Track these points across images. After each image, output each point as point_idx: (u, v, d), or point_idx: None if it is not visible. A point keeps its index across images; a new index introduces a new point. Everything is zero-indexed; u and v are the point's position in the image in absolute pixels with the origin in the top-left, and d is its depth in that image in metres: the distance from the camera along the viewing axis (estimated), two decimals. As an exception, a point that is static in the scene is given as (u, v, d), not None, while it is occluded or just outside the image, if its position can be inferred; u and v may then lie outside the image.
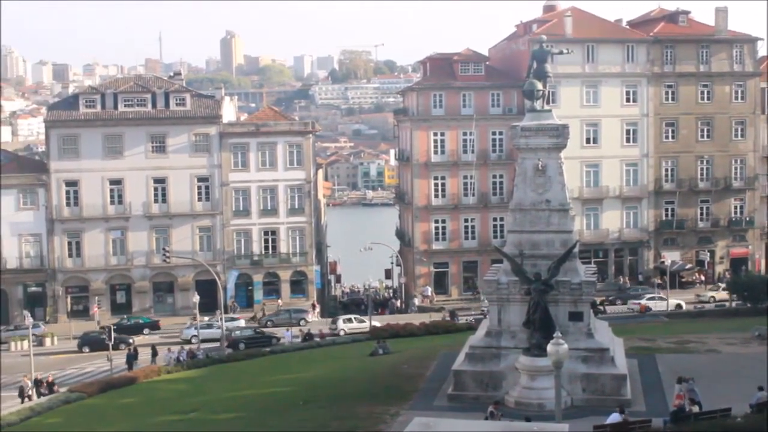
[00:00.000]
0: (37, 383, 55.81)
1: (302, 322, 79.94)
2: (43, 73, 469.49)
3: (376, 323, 75.25)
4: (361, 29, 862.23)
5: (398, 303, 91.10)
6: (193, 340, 71.70)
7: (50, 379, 56.53)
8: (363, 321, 76.88)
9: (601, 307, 75.22)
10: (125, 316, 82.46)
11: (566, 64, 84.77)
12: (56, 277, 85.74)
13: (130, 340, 72.57)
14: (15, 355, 71.98)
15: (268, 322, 79.63)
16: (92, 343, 71.69)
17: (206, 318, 77.94)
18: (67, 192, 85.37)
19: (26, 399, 53.53)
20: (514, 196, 40.71)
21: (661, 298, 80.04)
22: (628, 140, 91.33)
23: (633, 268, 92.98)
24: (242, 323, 77.91)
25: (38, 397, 54.02)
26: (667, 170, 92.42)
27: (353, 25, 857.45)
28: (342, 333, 73.65)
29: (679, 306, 79.38)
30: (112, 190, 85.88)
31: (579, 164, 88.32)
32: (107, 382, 55.17)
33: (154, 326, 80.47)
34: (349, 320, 77.53)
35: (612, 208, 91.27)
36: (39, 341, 74.54)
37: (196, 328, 73.13)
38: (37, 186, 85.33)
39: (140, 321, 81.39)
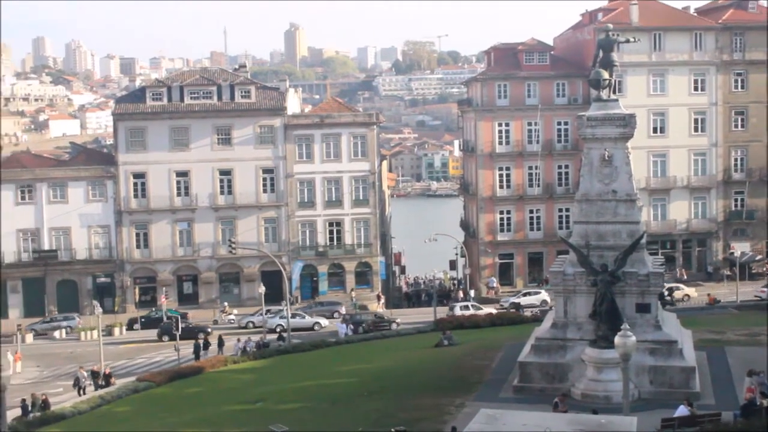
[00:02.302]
0: (94, 375, 56.50)
1: (336, 315, 79.89)
2: (111, 67, 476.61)
3: (492, 310, 75.41)
4: (424, 20, 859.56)
5: (461, 294, 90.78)
6: (278, 329, 72.38)
7: (107, 371, 57.18)
8: (480, 308, 76.68)
9: (669, 298, 74.19)
10: (153, 309, 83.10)
11: (633, 52, 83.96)
12: (124, 267, 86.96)
13: (208, 330, 73.51)
14: (85, 345, 73.23)
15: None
16: (171, 332, 72.51)
17: (236, 311, 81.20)
18: (135, 184, 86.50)
19: (82, 391, 54.12)
20: (580, 186, 40.31)
21: None
22: (696, 129, 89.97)
23: (701, 260, 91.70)
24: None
25: (96, 389, 54.62)
26: (736, 159, 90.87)
27: (417, 16, 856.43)
28: None
29: None
30: (178, 182, 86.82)
31: (646, 154, 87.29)
32: (175, 372, 55.82)
33: (182, 318, 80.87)
34: (466, 307, 77.32)
35: (680, 198, 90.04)
36: (108, 331, 75.79)
37: (282, 317, 74.50)
38: (106, 178, 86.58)
39: (168, 313, 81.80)
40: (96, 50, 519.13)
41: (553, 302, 42.29)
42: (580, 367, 37.45)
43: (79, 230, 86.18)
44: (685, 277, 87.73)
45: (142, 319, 79.75)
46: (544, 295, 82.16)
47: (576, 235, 39.69)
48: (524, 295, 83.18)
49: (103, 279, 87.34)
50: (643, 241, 39.24)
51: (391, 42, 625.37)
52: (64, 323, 79.87)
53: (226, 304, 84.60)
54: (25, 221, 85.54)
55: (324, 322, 75.94)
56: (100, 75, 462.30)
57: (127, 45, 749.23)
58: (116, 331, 77.86)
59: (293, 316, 75.68)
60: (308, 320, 75.88)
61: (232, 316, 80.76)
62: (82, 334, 76.67)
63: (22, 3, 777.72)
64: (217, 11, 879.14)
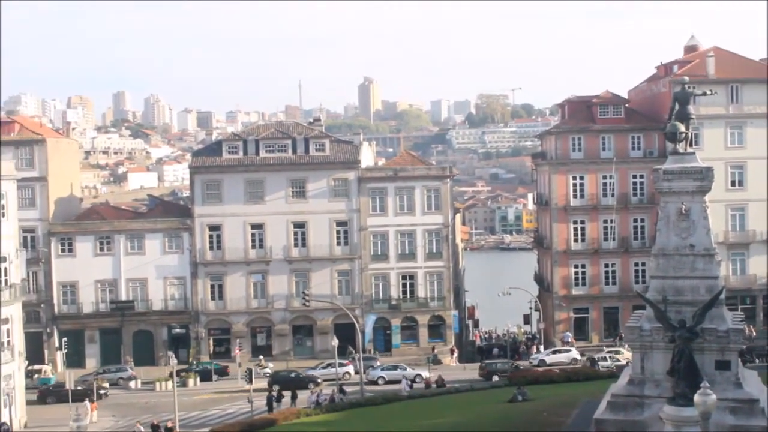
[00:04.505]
0: (154, 429, 56.64)
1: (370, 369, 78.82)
2: (188, 121, 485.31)
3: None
4: (498, 73, 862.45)
5: (534, 349, 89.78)
6: (380, 381, 72.36)
7: (169, 425, 57.23)
8: (619, 360, 75.26)
9: (750, 356, 72.52)
10: (194, 362, 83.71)
11: (709, 105, 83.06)
12: (199, 319, 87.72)
13: (318, 380, 74.10)
14: (160, 395, 73.77)
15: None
16: (282, 381, 73.40)
17: (271, 364, 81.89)
18: (210, 236, 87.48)
19: None
20: (656, 240, 39.74)
21: None
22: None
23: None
24: (351, 369, 78.03)
25: None
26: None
27: (490, 70, 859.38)
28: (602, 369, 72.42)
29: None
30: (253, 235, 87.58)
31: (724, 207, 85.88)
32: (248, 424, 55.86)
33: (223, 372, 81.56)
34: (604, 359, 76.44)
35: (759, 252, 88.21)
36: (183, 382, 76.33)
37: (383, 369, 75.92)
38: (182, 230, 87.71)
39: (208, 367, 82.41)
40: (174, 104, 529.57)
41: (629, 359, 41.53)
42: (658, 425, 36.59)
43: (155, 281, 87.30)
44: (755, 334, 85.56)
45: (183, 371, 79.77)
46: (574, 353, 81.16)
47: (653, 290, 39.07)
48: (553, 352, 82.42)
49: (178, 330, 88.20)
50: (722, 296, 38.47)
51: (465, 95, 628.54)
52: (117, 375, 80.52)
53: (261, 357, 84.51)
54: (104, 272, 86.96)
55: (425, 374, 75.40)
56: (177, 128, 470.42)
57: (204, 99, 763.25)
58: (190, 382, 78.39)
59: (394, 368, 76.30)
60: (409, 372, 75.69)
61: (267, 369, 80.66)
62: (157, 384, 77.34)
63: (104, 59, 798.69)
64: (292, 65, 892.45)
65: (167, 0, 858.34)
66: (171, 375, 76.50)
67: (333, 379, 72.95)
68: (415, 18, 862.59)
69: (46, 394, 73.24)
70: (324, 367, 78.25)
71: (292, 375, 75.53)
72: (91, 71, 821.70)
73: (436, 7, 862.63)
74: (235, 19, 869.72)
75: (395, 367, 77.12)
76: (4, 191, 62.87)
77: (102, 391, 73.74)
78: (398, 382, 71.78)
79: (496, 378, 73.02)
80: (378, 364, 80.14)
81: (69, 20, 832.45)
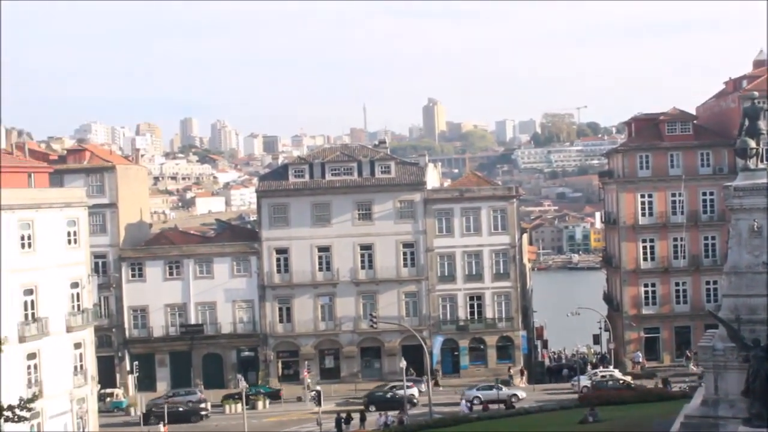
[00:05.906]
0: None
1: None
2: (254, 146, 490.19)
3: None
4: (563, 92, 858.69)
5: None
6: (475, 402, 72.39)
7: None
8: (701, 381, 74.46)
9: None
10: (248, 386, 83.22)
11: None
12: (268, 341, 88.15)
13: (415, 401, 74.09)
14: (229, 418, 74.22)
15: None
16: (377, 401, 74.12)
17: (318, 387, 78.79)
18: (278, 259, 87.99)
19: None
20: (728, 258, 39.09)
21: None
22: None
23: None
24: (416, 391, 77.21)
25: None
26: None
27: (555, 89, 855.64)
28: None
29: None
30: (320, 257, 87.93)
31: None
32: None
33: (275, 396, 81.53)
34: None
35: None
36: (252, 405, 76.71)
37: (478, 389, 75.45)
38: (250, 254, 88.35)
39: (261, 390, 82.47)
40: (240, 129, 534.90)
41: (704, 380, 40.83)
42: (733, 447, 35.97)
43: (224, 305, 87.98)
44: None
45: (237, 396, 79.39)
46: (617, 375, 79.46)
47: (725, 309, 38.42)
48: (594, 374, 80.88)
49: (247, 353, 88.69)
50: (798, 315, 37.68)
51: (530, 115, 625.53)
52: (186, 398, 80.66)
53: (308, 381, 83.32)
54: (173, 296, 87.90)
55: (522, 394, 74.76)
56: (244, 153, 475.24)
57: (269, 124, 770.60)
58: (260, 404, 78.76)
59: (489, 388, 75.36)
60: (504, 392, 74.88)
61: (313, 393, 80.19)
62: (227, 407, 77.80)
63: (172, 87, 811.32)
64: (356, 89, 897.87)
65: (229, 28, 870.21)
66: (236, 397, 77.64)
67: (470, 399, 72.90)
68: (478, 39, 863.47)
69: (149, 415, 73.55)
70: (389, 389, 77.80)
71: (389, 395, 75.42)
72: (158, 99, 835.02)
73: (499, 27, 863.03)
74: (299, 44, 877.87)
75: (490, 387, 76.28)
76: (76, 218, 63.95)
77: (203, 413, 75.66)
78: (496, 402, 71.18)
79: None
80: (421, 387, 79.55)
81: (136, 50, 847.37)
